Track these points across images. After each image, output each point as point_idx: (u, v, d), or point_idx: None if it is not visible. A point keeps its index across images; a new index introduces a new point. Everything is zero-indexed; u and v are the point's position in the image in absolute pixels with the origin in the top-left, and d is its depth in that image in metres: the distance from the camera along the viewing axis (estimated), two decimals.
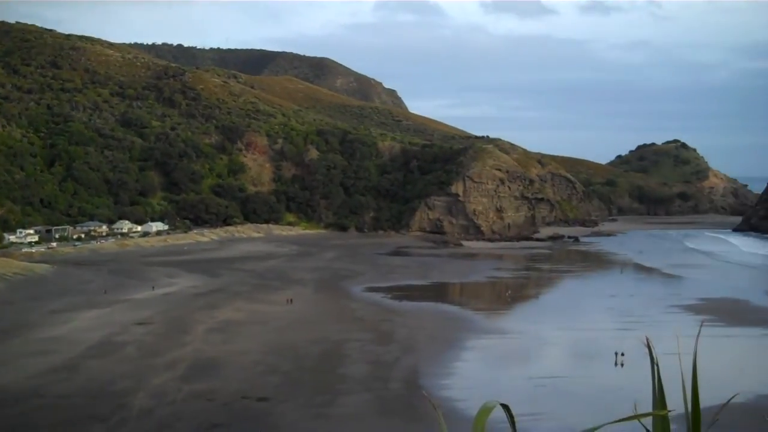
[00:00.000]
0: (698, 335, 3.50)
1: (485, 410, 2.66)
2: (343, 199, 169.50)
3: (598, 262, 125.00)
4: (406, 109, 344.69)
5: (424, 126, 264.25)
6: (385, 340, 60.51)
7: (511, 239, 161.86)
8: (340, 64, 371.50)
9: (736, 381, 46.44)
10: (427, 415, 39.14)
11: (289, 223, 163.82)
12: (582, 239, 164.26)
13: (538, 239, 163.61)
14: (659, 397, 2.74)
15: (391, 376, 49.36)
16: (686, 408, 2.67)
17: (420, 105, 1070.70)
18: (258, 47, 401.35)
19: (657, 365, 2.75)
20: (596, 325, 67.08)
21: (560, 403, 42.77)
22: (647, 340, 2.79)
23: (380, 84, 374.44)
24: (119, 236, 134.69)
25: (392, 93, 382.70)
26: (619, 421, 2.71)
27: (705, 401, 3.14)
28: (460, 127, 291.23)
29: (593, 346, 58.02)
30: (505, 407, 2.70)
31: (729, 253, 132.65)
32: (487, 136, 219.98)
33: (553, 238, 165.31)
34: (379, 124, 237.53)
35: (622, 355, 51.78)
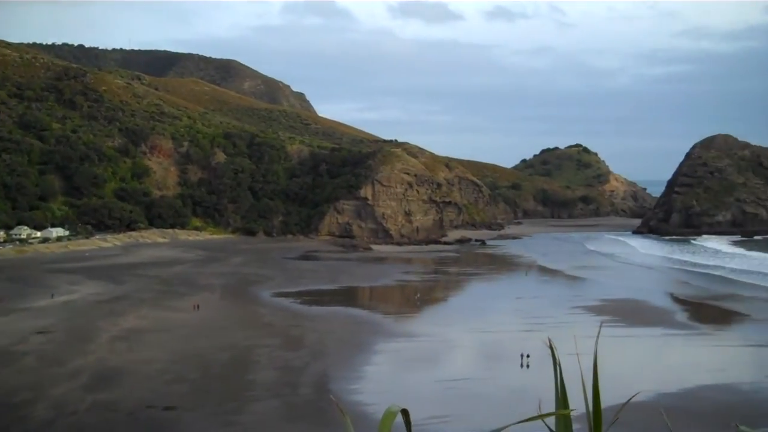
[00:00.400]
0: (598, 336, 3.56)
1: (390, 414, 2.63)
2: (251, 203, 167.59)
3: (504, 264, 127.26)
4: (314, 112, 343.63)
5: (332, 129, 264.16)
6: (294, 345, 60.08)
7: (419, 243, 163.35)
8: (248, 67, 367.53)
9: (638, 380, 47.94)
10: (336, 420, 39.02)
11: (196, 228, 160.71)
12: (488, 242, 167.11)
13: (445, 243, 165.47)
14: (561, 397, 2.76)
15: (301, 381, 49.01)
16: (587, 407, 2.70)
17: (328, 108, 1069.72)
18: (163, 48, 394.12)
19: (559, 366, 2.78)
20: (503, 327, 68.20)
21: (468, 404, 43.26)
22: (549, 341, 2.82)
23: (288, 87, 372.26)
24: (17, 242, 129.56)
25: (300, 96, 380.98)
26: (523, 421, 2.72)
27: (607, 400, 3.20)
28: (368, 130, 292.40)
29: (500, 348, 58.93)
30: (404, 413, 2.68)
31: (629, 255, 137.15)
32: (396, 140, 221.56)
33: (460, 241, 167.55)
34: (287, 128, 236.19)
35: (528, 356, 52.72)
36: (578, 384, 3.11)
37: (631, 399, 3.03)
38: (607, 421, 2.98)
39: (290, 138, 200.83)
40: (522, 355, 53.14)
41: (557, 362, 2.76)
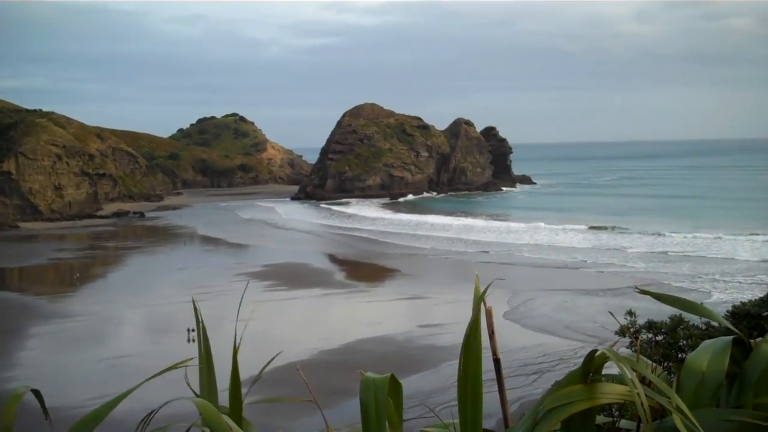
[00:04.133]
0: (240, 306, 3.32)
1: (15, 397, 2.25)
2: None
3: (165, 236, 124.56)
4: None
5: None
6: None
7: (73, 218, 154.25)
8: None
9: (302, 339, 49.69)
10: None
11: None
12: (148, 214, 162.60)
13: (102, 216, 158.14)
14: (206, 362, 2.56)
15: None
16: (233, 371, 2.53)
17: None
18: None
19: (203, 328, 2.56)
20: (167, 299, 66.68)
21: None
22: (194, 302, 2.58)
23: None
24: None
25: None
26: (153, 377, 2.51)
27: (275, 361, 2.99)
28: (9, 100, 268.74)
29: (165, 322, 57.63)
30: (36, 393, 2.33)
31: (287, 221, 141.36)
32: (40, 110, 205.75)
33: (117, 214, 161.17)
34: None
35: (193, 330, 52.02)
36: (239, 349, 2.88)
37: (273, 359, 2.90)
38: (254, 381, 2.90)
39: None
40: (189, 330, 52.30)
41: (201, 325, 2.54)
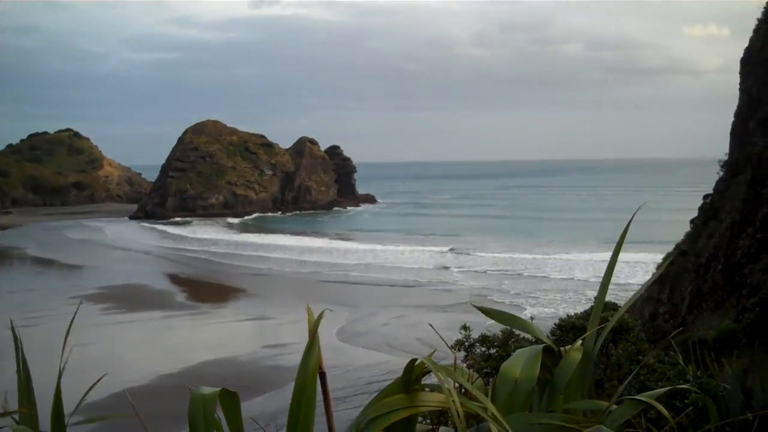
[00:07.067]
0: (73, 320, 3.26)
1: None
2: None
3: None
4: None
5: None
6: None
7: None
8: None
9: (141, 364, 48.09)
10: None
11: None
12: None
13: None
14: (25, 384, 2.49)
15: None
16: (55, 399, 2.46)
17: None
18: None
19: (22, 352, 2.50)
20: None
21: None
22: (12, 325, 2.52)
23: None
24: None
25: None
26: None
27: (107, 388, 2.91)
28: None
29: None
30: None
31: (127, 241, 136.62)
32: None
33: None
34: None
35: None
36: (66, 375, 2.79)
37: (98, 381, 2.86)
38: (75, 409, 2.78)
39: None
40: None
41: (20, 346, 2.49)
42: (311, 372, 2.36)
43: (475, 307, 2.93)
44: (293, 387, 2.36)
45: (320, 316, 2.41)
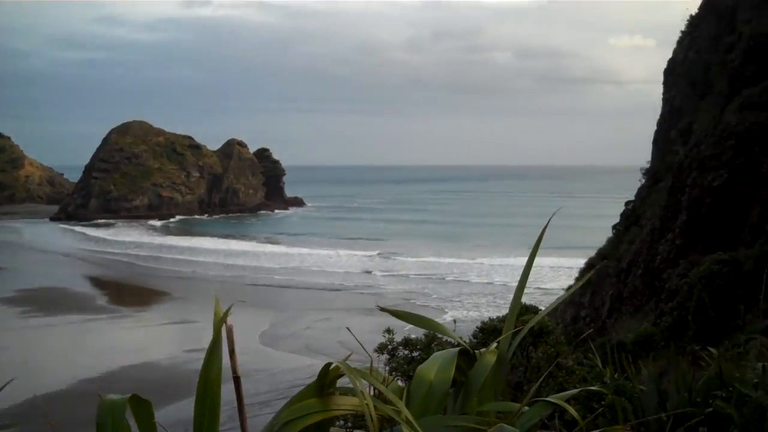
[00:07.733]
0: None
1: None
2: None
3: None
4: None
5: None
6: None
7: None
8: None
9: (59, 368, 46.91)
10: None
11: None
12: None
13: None
14: None
15: None
16: None
17: None
18: None
19: None
20: None
21: None
22: None
23: None
24: None
25: None
26: None
27: (21, 394, 2.83)
28: None
29: None
30: None
31: (46, 243, 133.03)
32: None
33: None
34: None
35: None
36: None
37: (4, 386, 2.78)
38: None
39: None
40: None
41: None
42: (214, 375, 2.33)
43: (380, 308, 2.94)
44: (195, 391, 2.32)
45: (227, 312, 2.39)
